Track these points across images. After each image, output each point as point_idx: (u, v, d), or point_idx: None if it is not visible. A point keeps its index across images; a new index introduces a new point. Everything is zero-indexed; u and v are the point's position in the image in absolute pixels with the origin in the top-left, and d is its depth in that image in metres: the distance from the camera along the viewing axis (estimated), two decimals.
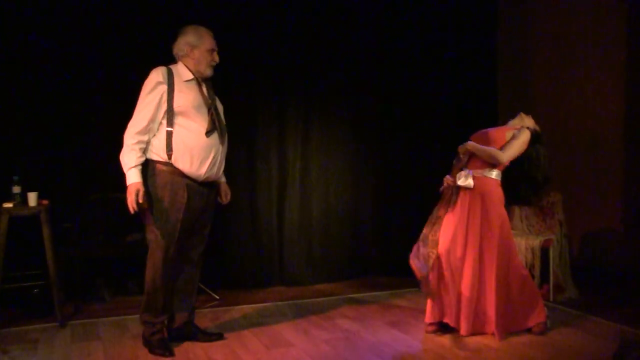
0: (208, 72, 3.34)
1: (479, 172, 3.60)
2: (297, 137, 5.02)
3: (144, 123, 3.14)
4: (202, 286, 4.38)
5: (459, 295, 3.53)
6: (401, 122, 5.34)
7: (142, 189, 3.12)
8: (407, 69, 5.33)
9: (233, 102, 4.78)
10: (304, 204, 5.05)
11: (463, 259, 3.53)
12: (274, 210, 4.97)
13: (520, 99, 5.76)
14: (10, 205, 3.76)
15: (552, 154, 5.41)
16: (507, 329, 3.58)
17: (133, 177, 3.12)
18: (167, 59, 3.35)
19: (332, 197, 5.15)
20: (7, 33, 4.23)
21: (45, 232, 3.77)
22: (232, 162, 4.79)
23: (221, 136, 3.29)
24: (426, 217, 3.74)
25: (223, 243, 4.80)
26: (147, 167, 3.21)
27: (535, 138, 3.70)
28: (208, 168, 3.25)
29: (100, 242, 4.38)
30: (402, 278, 5.11)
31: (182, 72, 3.27)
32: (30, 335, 3.67)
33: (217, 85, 4.75)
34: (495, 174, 3.61)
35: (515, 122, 3.78)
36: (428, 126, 5.39)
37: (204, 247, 3.49)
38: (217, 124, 3.26)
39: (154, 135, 3.20)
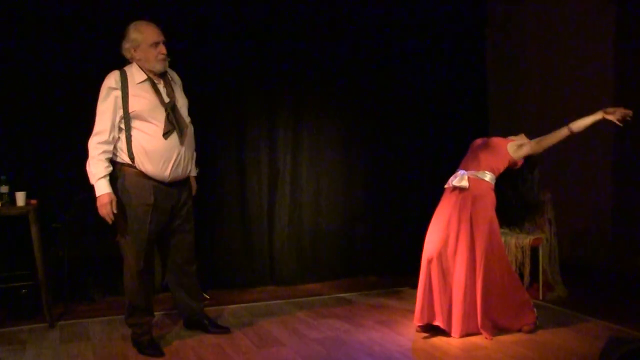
0: (158, 68, 3.19)
1: (472, 174, 3.61)
2: (288, 136, 5.01)
3: (107, 132, 3.10)
4: None
5: (450, 296, 3.54)
6: (392, 123, 5.33)
7: (114, 199, 3.10)
8: (398, 69, 5.32)
9: (223, 100, 4.80)
10: (294, 203, 5.04)
11: (454, 260, 3.53)
12: (264, 210, 4.95)
13: (510, 99, 5.79)
14: None
15: (542, 153, 5.44)
16: (496, 329, 3.59)
17: (104, 188, 3.08)
18: None
19: (322, 197, 5.15)
20: None
21: (34, 232, 3.74)
22: (222, 161, 4.81)
23: (181, 136, 3.19)
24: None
25: (213, 243, 4.79)
26: (114, 169, 3.18)
27: (533, 162, 3.76)
28: (172, 169, 3.19)
29: (90, 242, 4.35)
30: (393, 277, 5.14)
31: (136, 73, 3.18)
32: (19, 336, 3.64)
33: (207, 85, 4.76)
34: (489, 177, 3.63)
35: (516, 138, 3.83)
36: (419, 127, 5.39)
37: (190, 240, 3.48)
38: (175, 124, 3.16)
39: (118, 138, 3.16)
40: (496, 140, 3.76)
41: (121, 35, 3.24)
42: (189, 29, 4.61)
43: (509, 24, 5.79)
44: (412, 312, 3.72)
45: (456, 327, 3.52)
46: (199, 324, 3.63)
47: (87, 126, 4.38)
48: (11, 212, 3.74)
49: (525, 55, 5.66)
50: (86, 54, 4.41)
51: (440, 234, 3.57)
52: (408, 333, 3.68)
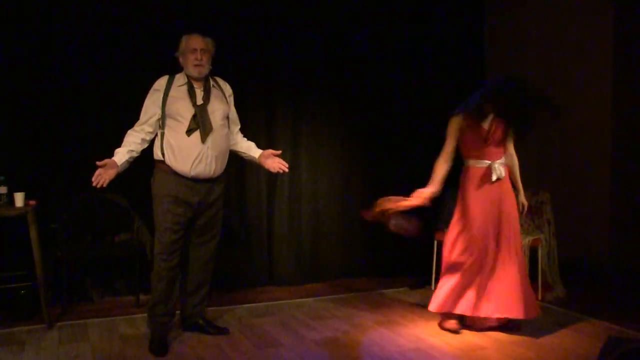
0: (193, 73, 3.42)
1: (502, 161, 3.65)
2: (287, 136, 5.00)
3: (138, 124, 3.42)
4: None
5: (489, 282, 3.55)
6: (392, 123, 5.34)
7: (108, 161, 3.21)
8: (398, 69, 5.33)
9: None
10: (293, 204, 5.04)
11: (495, 249, 3.56)
12: (263, 210, 4.95)
13: None
14: None
15: (541, 153, 5.46)
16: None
17: (114, 155, 3.30)
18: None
19: (321, 197, 5.15)
20: None
21: (33, 232, 3.73)
22: None
23: (204, 135, 3.36)
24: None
25: None
26: (153, 167, 3.47)
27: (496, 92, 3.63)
28: (193, 165, 3.35)
29: (89, 243, 4.35)
30: (392, 278, 5.14)
31: (180, 78, 3.46)
32: (17, 337, 3.63)
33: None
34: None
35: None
36: (417, 127, 5.39)
37: (211, 246, 3.61)
38: (200, 124, 3.35)
39: (156, 135, 3.42)
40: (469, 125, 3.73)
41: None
42: (188, 28, 4.60)
43: (507, 25, 5.79)
44: (411, 312, 3.72)
45: (489, 306, 3.51)
46: (196, 325, 3.68)
47: (86, 126, 4.43)
48: (10, 212, 3.73)
49: (524, 56, 5.67)
50: (86, 55, 4.40)
51: (482, 223, 3.59)
52: (407, 334, 3.68)
